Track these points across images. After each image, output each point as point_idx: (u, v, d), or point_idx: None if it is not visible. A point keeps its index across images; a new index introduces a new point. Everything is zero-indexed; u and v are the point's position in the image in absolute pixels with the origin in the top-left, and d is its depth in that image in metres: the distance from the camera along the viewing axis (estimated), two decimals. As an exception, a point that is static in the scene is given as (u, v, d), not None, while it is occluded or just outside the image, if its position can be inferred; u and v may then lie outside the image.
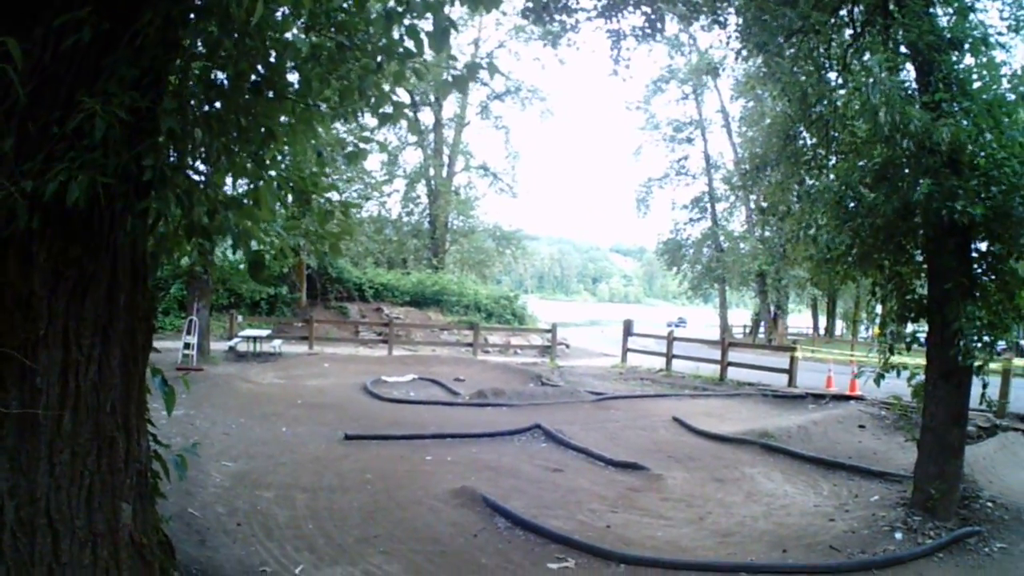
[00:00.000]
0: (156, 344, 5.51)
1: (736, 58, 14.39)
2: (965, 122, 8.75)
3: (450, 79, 5.22)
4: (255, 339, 25.09)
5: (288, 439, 13.32)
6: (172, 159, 4.60)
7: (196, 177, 4.82)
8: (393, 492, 10.41)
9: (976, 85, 9.18)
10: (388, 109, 5.38)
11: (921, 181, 8.69)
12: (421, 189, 50.39)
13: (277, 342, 26.04)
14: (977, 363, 9.38)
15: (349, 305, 36.68)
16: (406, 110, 5.92)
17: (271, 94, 4.76)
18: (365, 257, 44.23)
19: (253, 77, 4.70)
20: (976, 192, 8.67)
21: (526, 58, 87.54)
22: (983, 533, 9.50)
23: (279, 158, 5.42)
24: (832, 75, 10.82)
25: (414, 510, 9.71)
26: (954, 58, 9.39)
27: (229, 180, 5.25)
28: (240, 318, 28.41)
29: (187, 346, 21.23)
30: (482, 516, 9.60)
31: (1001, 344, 10.62)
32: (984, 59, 9.28)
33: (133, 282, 4.79)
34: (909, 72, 10.04)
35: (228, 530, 8.30)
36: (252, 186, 5.06)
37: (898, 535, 9.51)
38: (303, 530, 8.59)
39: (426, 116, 49.59)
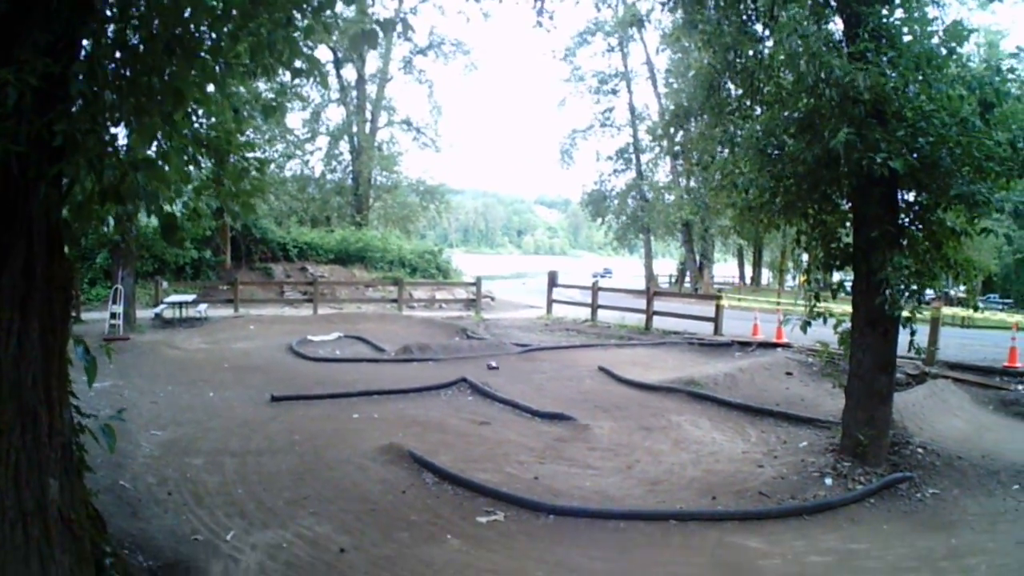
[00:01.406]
0: (85, 315, 5.34)
1: (663, 9, 14.25)
2: (893, 74, 8.69)
3: (361, 32, 5.08)
4: (180, 305, 24.74)
5: (216, 404, 13.19)
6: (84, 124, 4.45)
7: (108, 140, 4.67)
8: (321, 452, 10.37)
9: (906, 39, 9.14)
10: (302, 64, 5.19)
11: (840, 130, 8.60)
12: (344, 146, 49.88)
13: (203, 306, 25.68)
14: (904, 314, 9.40)
15: (273, 265, 36.18)
16: (326, 66, 5.74)
17: (181, 53, 4.59)
18: (289, 216, 43.65)
19: (166, 38, 4.54)
20: (903, 143, 8.66)
21: (450, 11, 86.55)
22: (914, 479, 9.63)
23: (194, 118, 5.35)
24: (758, 26, 10.67)
25: (343, 469, 9.68)
26: (884, 11, 9.31)
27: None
28: (165, 284, 27.86)
29: (113, 315, 20.87)
30: (410, 472, 9.60)
31: (930, 293, 10.68)
32: (917, 14, 9.21)
33: (49, 252, 4.66)
34: (837, 24, 9.94)
35: (159, 500, 8.21)
36: (163, 148, 4.94)
37: (828, 481, 9.59)
38: (233, 495, 8.51)
39: (349, 73, 49.13)
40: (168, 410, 12.45)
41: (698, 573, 7.07)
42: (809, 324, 10.48)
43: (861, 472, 9.72)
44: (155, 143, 4.86)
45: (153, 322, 23.66)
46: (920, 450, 10.50)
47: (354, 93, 49.20)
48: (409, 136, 52.54)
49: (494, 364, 11.96)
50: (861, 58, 8.82)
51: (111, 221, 5.59)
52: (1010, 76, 8.82)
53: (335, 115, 50.10)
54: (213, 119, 5.61)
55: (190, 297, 25.99)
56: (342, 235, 40.55)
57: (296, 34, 5.02)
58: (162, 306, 24.92)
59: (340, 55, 44.92)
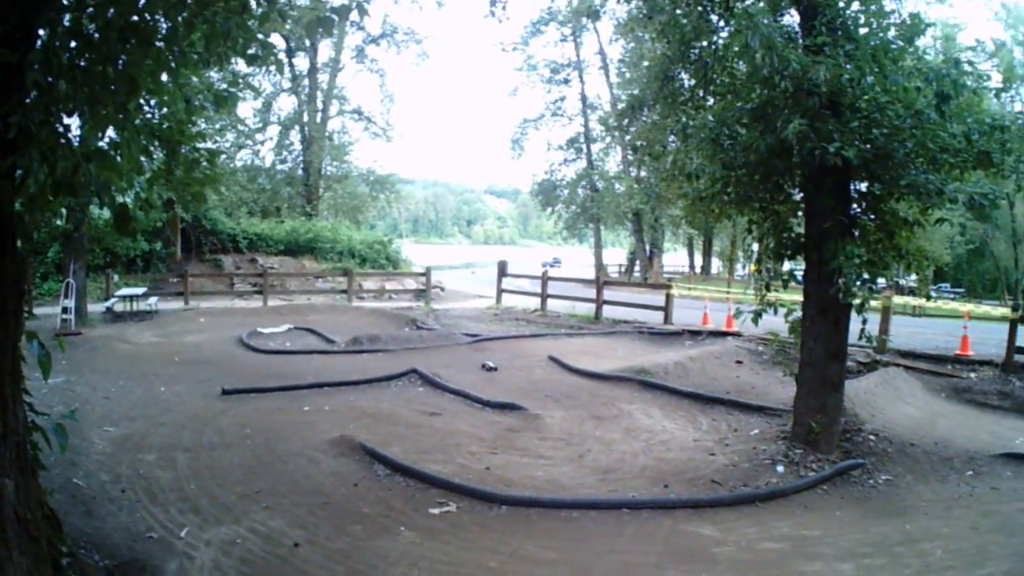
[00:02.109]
0: (37, 310, 5.23)
1: (618, 0, 14.20)
2: (848, 66, 8.72)
3: (316, 19, 5.04)
4: (131, 298, 24.47)
5: (167, 399, 13.06)
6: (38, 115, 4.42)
7: (62, 131, 4.66)
8: (273, 445, 10.32)
9: (863, 31, 9.17)
10: (256, 51, 5.12)
11: (793, 120, 8.60)
12: (295, 136, 49.42)
13: (153, 300, 25.49)
14: (857, 302, 9.44)
15: (224, 257, 35.77)
16: (279, 54, 5.68)
17: (136, 41, 4.55)
18: (239, 207, 43.17)
19: (121, 26, 4.49)
20: (857, 134, 8.70)
21: (403, 0, 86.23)
22: (867, 466, 9.76)
23: (146, 108, 5.36)
24: (714, 17, 10.68)
25: (294, 462, 9.66)
26: (841, 4, 9.34)
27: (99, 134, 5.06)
28: (116, 278, 27.60)
29: (65, 310, 20.59)
30: (362, 464, 9.60)
31: (881, 282, 10.75)
32: (874, 7, 9.25)
33: (1, 246, 4.60)
34: (794, 16, 9.97)
35: (113, 497, 8.13)
36: (118, 138, 4.91)
37: (780, 468, 9.65)
38: (186, 491, 8.46)
39: (301, 62, 48.64)
40: (120, 406, 12.30)
41: (652, 561, 7.08)
42: (760, 315, 10.52)
43: (813, 459, 9.80)
44: (108, 134, 4.82)
45: (104, 316, 23.41)
46: (872, 437, 10.60)
47: (306, 82, 48.72)
48: (360, 126, 52.20)
49: (491, 364, 11.71)
50: (818, 51, 8.84)
51: (63, 213, 5.50)
52: (967, 69, 8.86)
53: (286, 105, 49.67)
54: (165, 109, 5.56)
55: (141, 290, 25.71)
56: (292, 226, 40.19)
57: (251, 22, 4.98)
58: (113, 300, 24.64)
59: (292, 44, 44.57)
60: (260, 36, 5.23)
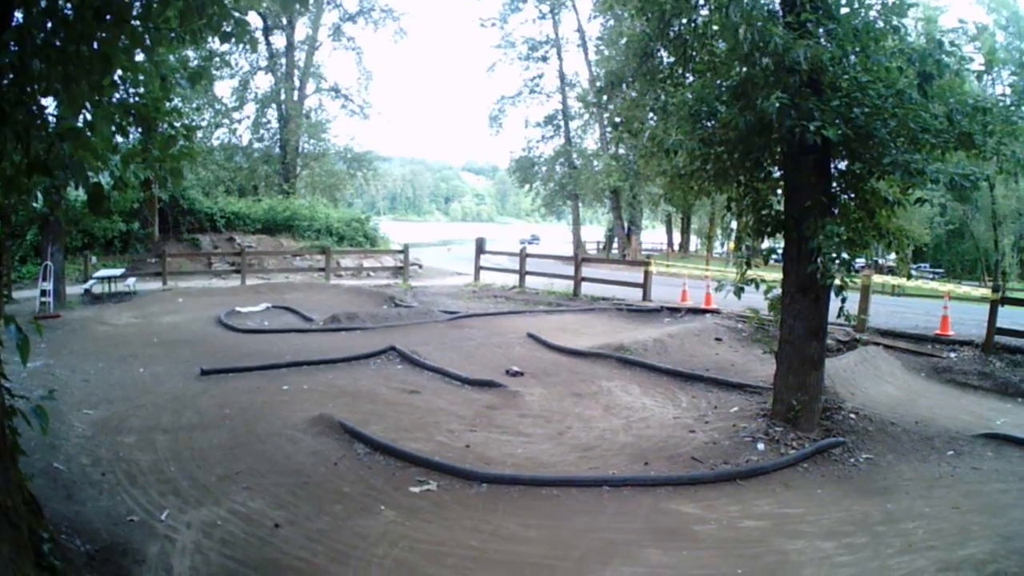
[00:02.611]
0: (16, 294, 5.13)
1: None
2: (830, 45, 8.68)
3: None
4: (109, 279, 24.37)
5: (146, 380, 12.98)
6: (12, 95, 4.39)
7: (37, 111, 4.63)
8: (252, 425, 10.29)
9: (844, 11, 9.12)
10: (229, 28, 5.05)
11: (773, 95, 8.55)
12: (272, 114, 49.19)
13: (131, 280, 25.36)
14: (836, 282, 9.46)
15: (201, 236, 35.67)
16: (256, 32, 5.58)
17: (111, 19, 4.51)
18: (216, 186, 43.05)
19: (95, 4, 4.45)
20: (838, 113, 8.67)
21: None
22: (848, 444, 9.79)
23: (121, 86, 5.29)
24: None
25: (274, 442, 9.63)
26: None
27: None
28: (94, 259, 27.38)
29: (43, 293, 20.45)
30: (341, 443, 9.60)
31: (860, 261, 10.76)
32: None
33: None
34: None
35: (94, 481, 8.10)
36: (90, 117, 4.87)
37: (760, 446, 9.66)
38: (166, 473, 8.43)
39: (278, 40, 48.47)
40: (99, 388, 12.24)
41: (634, 539, 7.09)
42: (742, 290, 10.48)
43: (794, 437, 9.82)
44: (82, 113, 4.78)
45: (83, 298, 23.29)
46: (852, 416, 10.63)
47: (283, 60, 48.52)
48: (337, 103, 52.07)
49: (517, 369, 11.48)
50: (800, 28, 8.78)
51: (39, 196, 5.42)
52: (950, 49, 8.84)
53: (263, 83, 49.38)
54: (141, 88, 5.51)
55: (119, 271, 25.63)
56: (269, 204, 40.12)
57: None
58: (91, 281, 24.50)
59: (269, 22, 44.36)
60: (235, 14, 5.18)
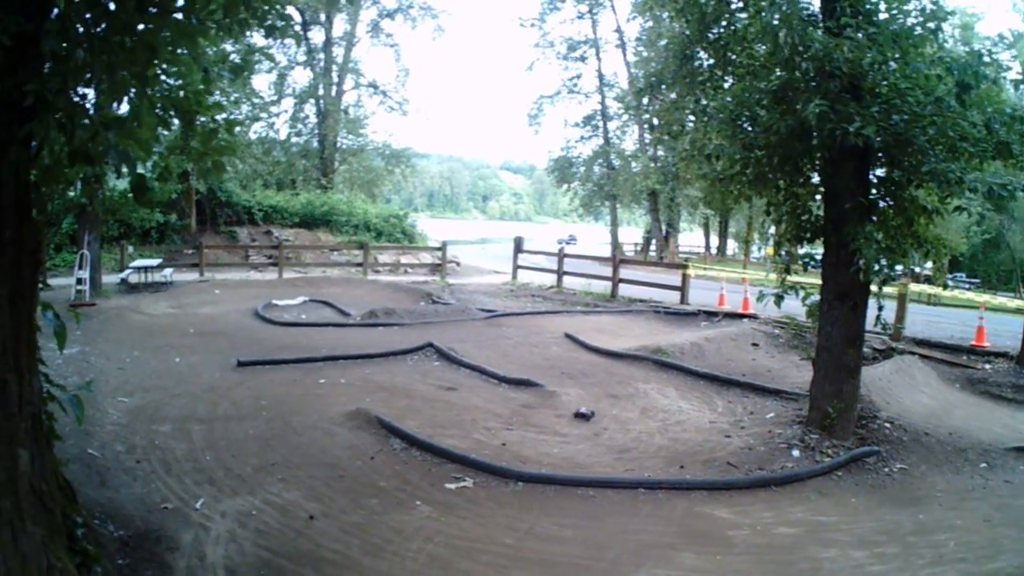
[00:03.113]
0: (51, 281, 5.25)
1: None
2: (870, 50, 8.67)
3: None
4: (146, 269, 24.56)
5: (182, 370, 13.05)
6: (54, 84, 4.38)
7: (79, 100, 4.66)
8: (288, 417, 10.31)
9: (882, 16, 9.10)
10: (274, 23, 5.11)
11: (813, 101, 8.56)
12: (310, 109, 49.47)
13: (168, 271, 25.55)
14: (875, 282, 9.40)
15: (239, 229, 35.88)
16: (295, 27, 5.63)
17: (155, 10, 4.53)
18: (254, 179, 43.37)
19: None
20: (877, 119, 8.63)
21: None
22: (882, 453, 9.70)
23: (163, 77, 5.24)
24: (733, -3, 10.62)
25: (310, 435, 9.66)
26: None
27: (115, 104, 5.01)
28: (131, 249, 27.65)
29: (79, 281, 20.67)
30: (378, 438, 9.60)
31: (898, 269, 10.71)
32: None
33: (18, 216, 4.58)
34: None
35: (128, 468, 8.15)
36: (134, 106, 4.84)
37: (795, 452, 9.63)
38: (201, 463, 8.47)
39: (316, 35, 48.66)
40: (135, 376, 12.31)
41: (668, 542, 7.10)
42: (782, 297, 10.44)
43: (829, 445, 9.77)
44: (125, 102, 4.78)
45: (119, 287, 23.52)
46: (887, 425, 10.55)
47: (321, 56, 48.72)
48: (375, 100, 52.20)
49: (584, 411, 11.32)
50: (839, 33, 8.78)
51: (78, 184, 5.50)
52: (988, 60, 8.82)
53: (301, 78, 49.67)
54: (181, 80, 5.46)
55: (155, 262, 25.77)
56: (307, 198, 40.31)
57: None
58: (128, 271, 24.74)
59: (307, 17, 44.52)
60: (279, 8, 5.22)
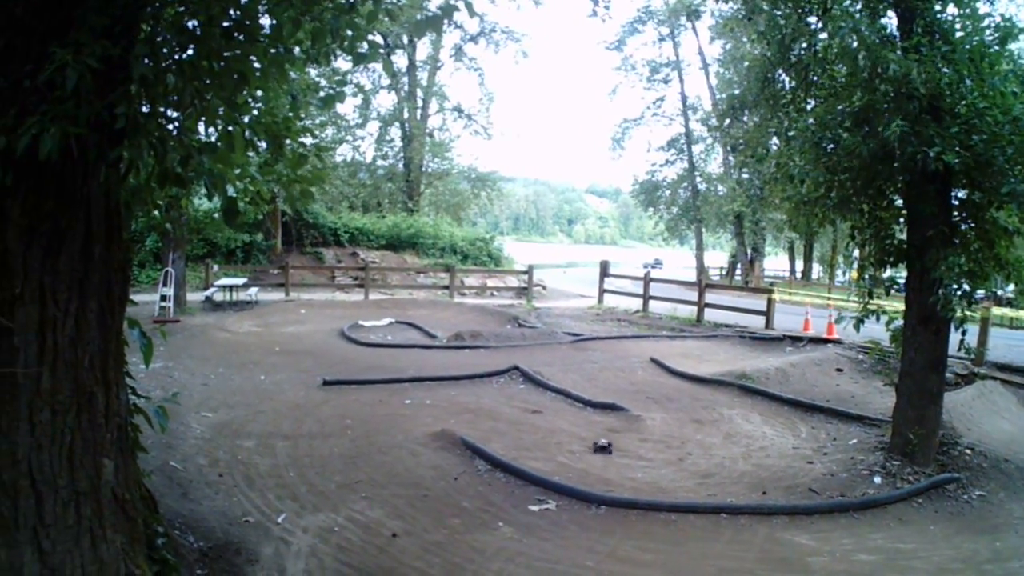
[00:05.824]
0: (133, 297, 5.43)
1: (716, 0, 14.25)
2: (946, 70, 8.70)
3: (424, 18, 5.14)
4: (231, 288, 24.93)
5: (267, 387, 13.28)
6: (144, 107, 4.52)
7: (169, 124, 4.73)
8: (373, 437, 10.44)
9: (958, 35, 9.12)
10: (363, 49, 5.29)
11: (894, 123, 8.63)
12: (395, 132, 49.94)
13: (253, 290, 25.90)
14: (957, 315, 9.38)
15: (324, 250, 36.37)
16: (380, 51, 5.83)
17: (242, 37, 4.64)
18: (340, 202, 43.92)
19: (225, 22, 4.57)
20: (957, 140, 8.63)
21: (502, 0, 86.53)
22: (962, 480, 9.57)
23: (251, 103, 5.33)
24: (812, 19, 10.70)
25: (395, 454, 9.76)
26: (937, 6, 9.31)
27: (201, 127, 5.13)
28: (216, 267, 28.18)
29: (163, 298, 21.12)
30: (462, 459, 9.69)
31: (980, 293, 10.63)
32: (968, 10, 9.22)
33: (108, 234, 4.67)
34: (891, 19, 9.96)
35: (210, 481, 8.32)
36: (225, 131, 4.92)
37: (877, 479, 9.58)
38: (285, 478, 8.62)
39: (399, 59, 49.16)
40: (219, 392, 12.60)
41: (748, 568, 7.09)
42: (862, 322, 10.41)
43: (910, 471, 9.69)
44: (216, 126, 4.90)
45: (203, 305, 23.96)
46: (968, 451, 10.41)
47: (405, 79, 49.20)
48: (460, 123, 52.65)
49: (603, 443, 11.16)
50: (915, 53, 8.81)
51: (162, 206, 5.67)
52: None
53: (386, 101, 50.42)
54: (272, 104, 5.60)
55: (241, 281, 26.24)
56: (393, 221, 40.70)
57: (358, 19, 5.00)
58: (212, 289, 25.16)
59: (390, 42, 45.12)
60: (368, 36, 5.25)
